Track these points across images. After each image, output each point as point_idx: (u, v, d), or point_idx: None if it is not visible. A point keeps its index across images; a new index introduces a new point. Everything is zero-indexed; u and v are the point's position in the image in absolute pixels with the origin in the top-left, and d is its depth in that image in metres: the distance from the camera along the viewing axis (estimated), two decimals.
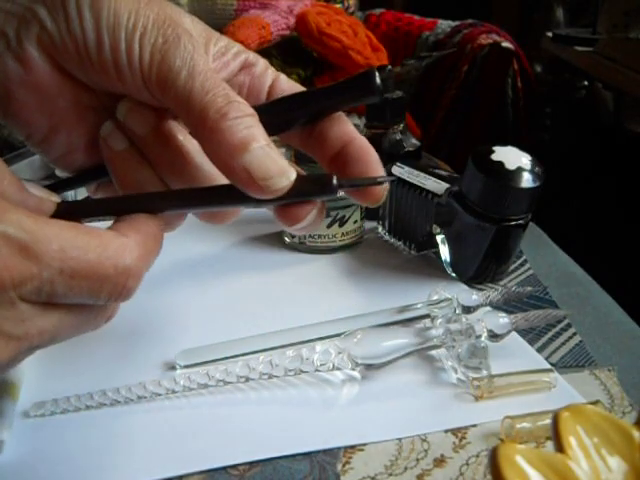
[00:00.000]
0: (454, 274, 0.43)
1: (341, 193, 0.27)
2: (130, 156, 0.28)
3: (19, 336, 0.21)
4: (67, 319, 0.23)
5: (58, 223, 0.22)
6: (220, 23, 0.80)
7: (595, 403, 0.30)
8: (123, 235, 0.23)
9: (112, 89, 0.27)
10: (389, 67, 0.31)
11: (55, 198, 0.26)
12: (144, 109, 0.27)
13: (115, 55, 0.25)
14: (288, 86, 0.29)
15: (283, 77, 0.30)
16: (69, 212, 0.26)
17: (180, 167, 0.28)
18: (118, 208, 0.26)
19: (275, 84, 0.29)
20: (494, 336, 0.34)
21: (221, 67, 0.28)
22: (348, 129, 0.29)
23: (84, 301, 0.23)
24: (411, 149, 0.52)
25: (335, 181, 0.26)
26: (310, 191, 0.26)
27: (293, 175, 0.25)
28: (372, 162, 0.28)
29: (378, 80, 0.27)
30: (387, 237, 0.49)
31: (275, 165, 0.24)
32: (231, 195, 0.26)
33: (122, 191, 0.28)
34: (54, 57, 0.26)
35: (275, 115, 0.28)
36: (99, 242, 0.22)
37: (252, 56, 0.29)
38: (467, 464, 0.28)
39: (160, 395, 0.31)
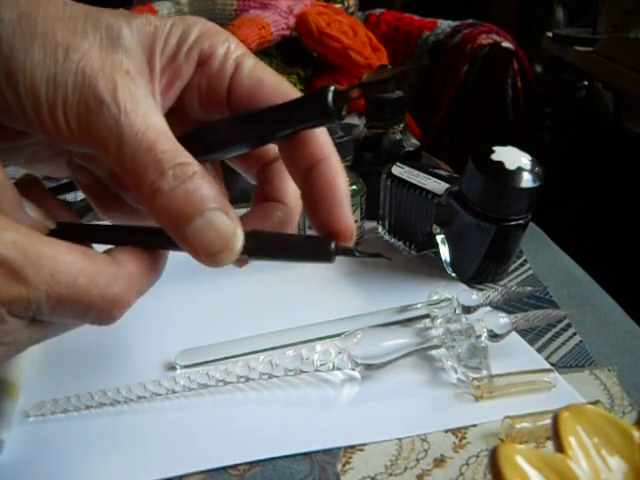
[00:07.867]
0: (454, 274, 0.43)
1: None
2: (102, 188, 0.28)
3: (9, 342, 0.23)
4: (55, 329, 0.24)
5: (55, 244, 0.22)
6: (220, 23, 0.80)
7: (595, 403, 0.30)
8: (117, 263, 0.23)
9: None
10: (353, 87, 0.24)
11: (49, 223, 0.25)
12: (93, 158, 0.27)
13: (44, 127, 0.23)
14: (249, 79, 0.26)
15: (245, 67, 0.26)
16: (65, 234, 0.25)
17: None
18: (117, 238, 0.25)
19: (235, 80, 0.26)
20: (494, 336, 0.34)
21: (173, 77, 0.25)
22: (317, 147, 0.26)
23: (68, 322, 0.24)
24: (411, 149, 0.52)
25: (333, 248, 0.24)
26: (304, 254, 0.24)
27: (239, 245, 0.23)
28: (337, 200, 0.25)
29: (330, 100, 0.23)
30: (387, 237, 0.49)
31: (219, 238, 0.22)
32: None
33: (104, 217, 0.28)
34: None
35: (231, 133, 0.26)
36: (92, 269, 0.22)
37: (208, 44, 0.26)
38: (467, 464, 0.28)
39: (160, 395, 0.31)
